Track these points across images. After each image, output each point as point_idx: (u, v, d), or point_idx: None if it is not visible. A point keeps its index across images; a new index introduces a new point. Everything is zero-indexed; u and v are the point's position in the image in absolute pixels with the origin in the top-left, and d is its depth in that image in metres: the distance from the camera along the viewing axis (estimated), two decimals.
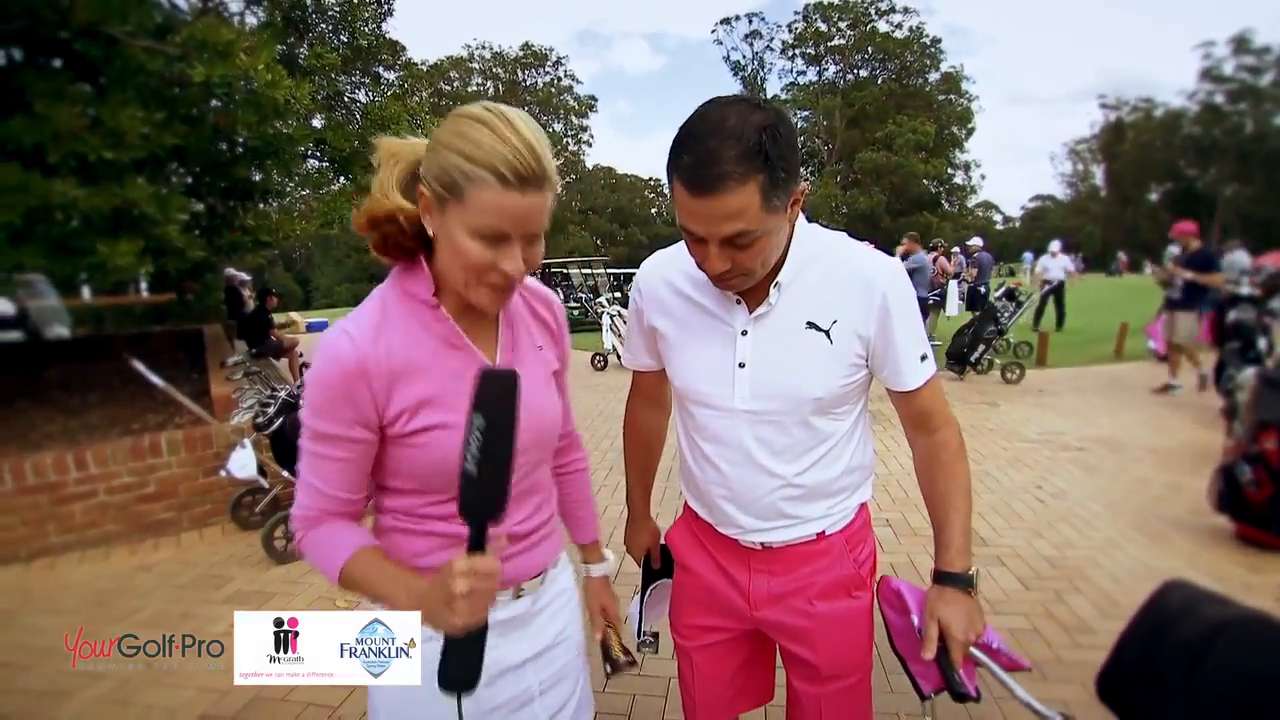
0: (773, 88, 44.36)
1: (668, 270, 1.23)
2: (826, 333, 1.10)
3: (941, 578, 1.14)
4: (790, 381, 1.11)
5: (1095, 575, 3.22)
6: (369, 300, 0.97)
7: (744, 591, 1.25)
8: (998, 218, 56.52)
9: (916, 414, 1.19)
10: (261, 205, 6.34)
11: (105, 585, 3.41)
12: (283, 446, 3.80)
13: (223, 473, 3.70)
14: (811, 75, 43.26)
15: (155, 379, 3.50)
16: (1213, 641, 0.91)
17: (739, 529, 1.22)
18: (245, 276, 11.01)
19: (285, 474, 3.78)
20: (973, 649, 1.09)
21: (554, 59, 42.88)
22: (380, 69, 11.24)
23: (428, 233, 0.92)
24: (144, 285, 11.48)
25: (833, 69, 42.71)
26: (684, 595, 1.36)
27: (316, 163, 8.39)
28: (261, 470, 3.72)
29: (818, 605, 1.21)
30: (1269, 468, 3.34)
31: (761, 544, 1.22)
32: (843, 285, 1.11)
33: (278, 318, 9.80)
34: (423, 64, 16.43)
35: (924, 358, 1.14)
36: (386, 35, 10.21)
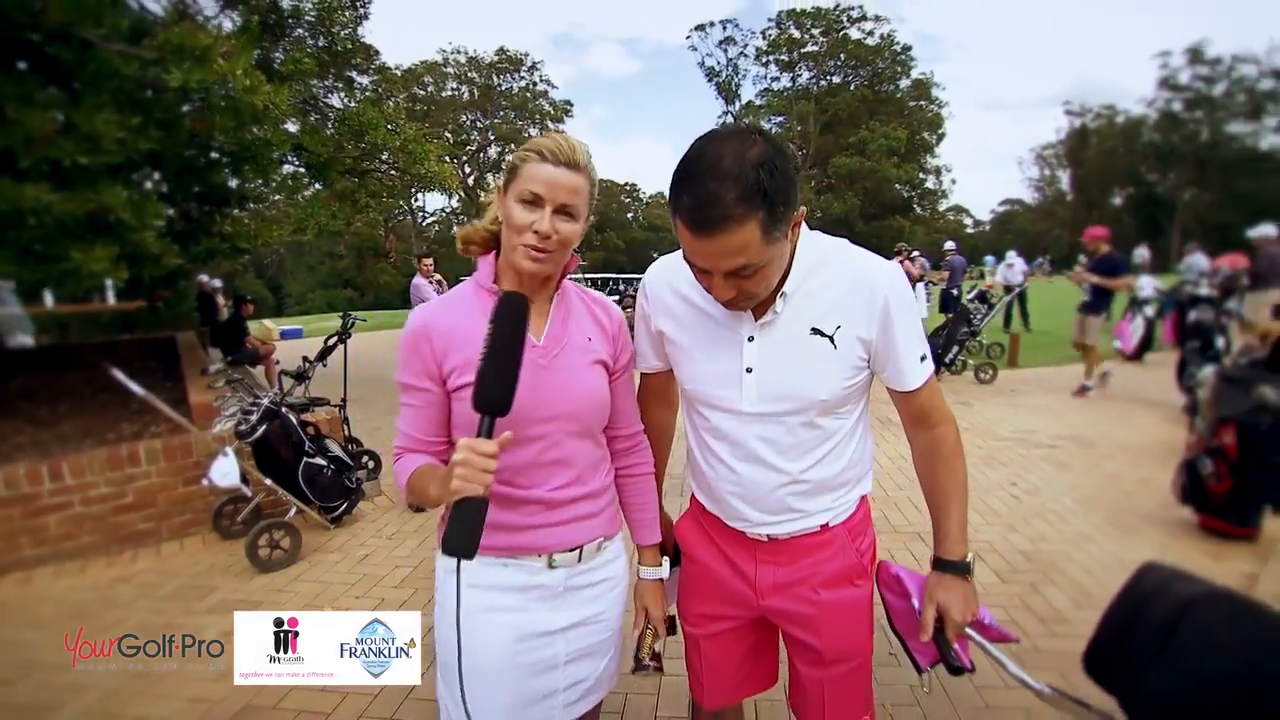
0: (747, 93, 44.91)
1: (673, 277, 1.27)
2: (830, 338, 1.16)
3: (941, 564, 1.22)
4: (796, 385, 1.17)
5: (1069, 568, 3.32)
6: (456, 287, 1.26)
7: (750, 581, 1.31)
8: (968, 221, 57.77)
9: (916, 411, 1.25)
10: (238, 211, 6.25)
11: (84, 597, 3.34)
12: (265, 454, 3.77)
13: (204, 481, 3.65)
14: (785, 81, 43.82)
15: (135, 387, 3.45)
16: (1182, 617, 0.98)
17: (746, 522, 1.28)
18: (217, 283, 10.82)
19: (268, 482, 3.74)
20: (967, 628, 1.18)
21: (529, 63, 42.73)
22: (354, 73, 11.13)
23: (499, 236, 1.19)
24: (111, 292, 11.22)
25: (806, 75, 43.33)
26: (692, 585, 1.41)
27: (292, 168, 8.30)
28: (244, 479, 3.67)
29: (822, 593, 1.27)
30: (1228, 461, 3.48)
31: (768, 536, 1.27)
32: (845, 291, 1.16)
33: (250, 325, 9.66)
34: (397, 69, 16.37)
35: (923, 358, 1.20)
36: (361, 39, 10.12)
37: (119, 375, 3.39)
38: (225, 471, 3.46)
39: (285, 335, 19.27)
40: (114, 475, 3.77)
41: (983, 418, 6.45)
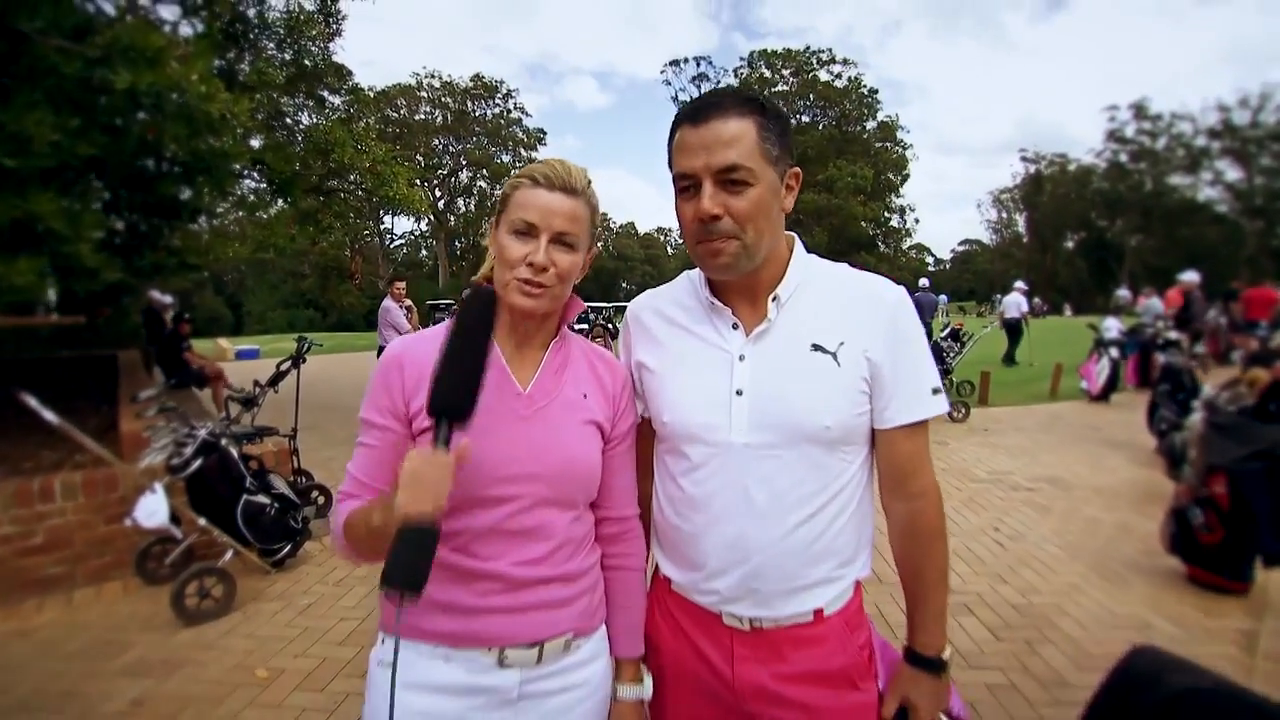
0: None
1: (658, 300, 1.19)
2: (834, 355, 1.02)
3: (914, 659, 1.09)
4: (795, 410, 1.01)
5: (1063, 623, 3.17)
6: (443, 322, 1.08)
7: (728, 682, 1.08)
8: (930, 260, 59.45)
9: (900, 467, 1.08)
10: (191, 225, 5.89)
11: None
12: (201, 491, 3.41)
13: (128, 521, 3.25)
14: None
15: (48, 414, 3.07)
16: (1173, 712, 0.95)
17: (720, 597, 1.06)
18: (167, 299, 10.30)
19: (202, 522, 3.38)
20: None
21: (504, 90, 42.97)
22: (325, 92, 10.91)
23: None
24: (53, 306, 10.58)
25: None
26: (660, 682, 1.17)
27: (254, 184, 7.97)
28: (175, 518, 3.30)
29: (820, 700, 1.05)
30: (1219, 511, 3.40)
31: (751, 622, 1.06)
32: (849, 303, 1.05)
33: (203, 345, 9.14)
34: (370, 90, 16.14)
35: (935, 391, 1.05)
36: (333, 58, 9.92)
37: (30, 400, 3.02)
38: (152, 510, 3.09)
39: (241, 355, 18.53)
40: (22, 513, 3.36)
41: (959, 458, 6.37)
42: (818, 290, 1.07)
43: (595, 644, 1.09)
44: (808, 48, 42.51)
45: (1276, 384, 3.53)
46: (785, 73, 43.07)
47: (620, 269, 63.82)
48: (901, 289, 1.08)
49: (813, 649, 1.06)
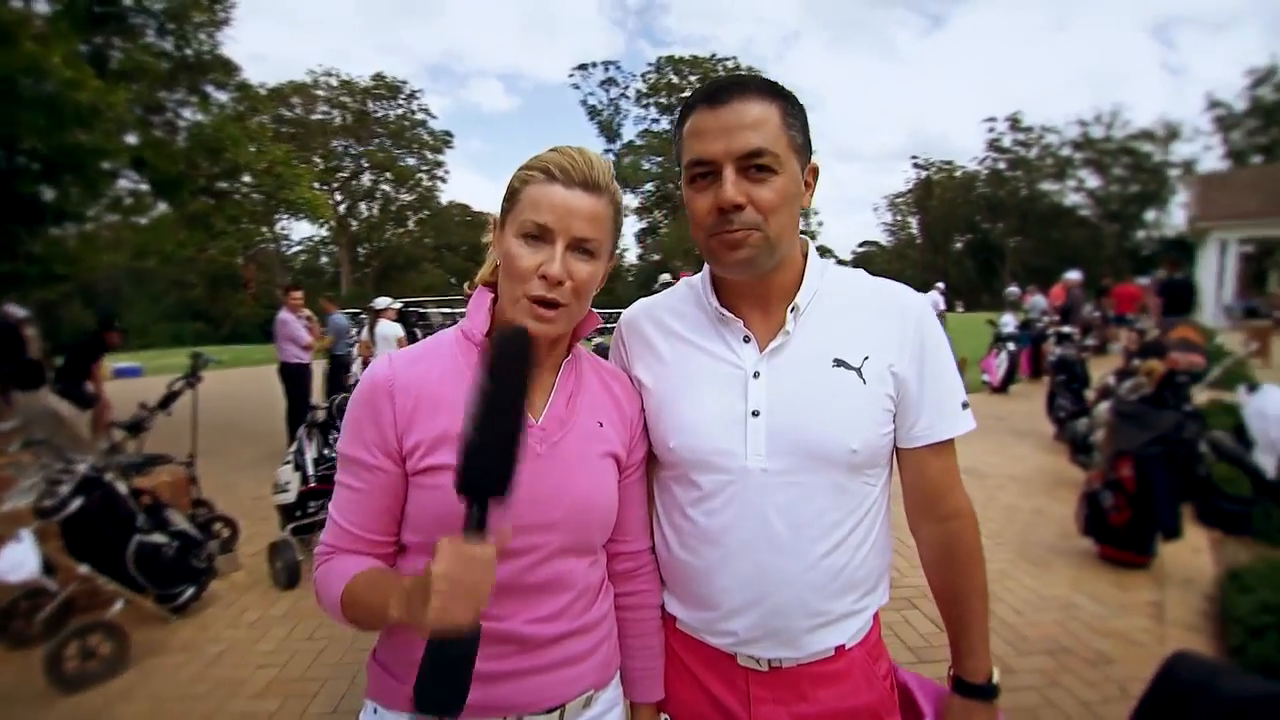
0: (628, 133, 46.26)
1: (654, 310, 1.08)
2: (858, 370, 0.95)
3: (964, 689, 1.03)
4: (819, 432, 0.93)
5: (999, 609, 3.30)
6: (434, 335, 0.96)
7: None
8: (833, 261, 62.35)
9: (931, 488, 1.02)
10: (55, 230, 5.21)
11: None
12: (82, 534, 2.97)
13: None
14: (665, 124, 45.53)
15: None
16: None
17: (735, 639, 0.97)
18: (22, 313, 9.13)
19: (84, 569, 2.94)
20: None
21: (408, 91, 41.43)
22: (210, 87, 10.07)
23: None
24: None
25: None
26: None
27: (132, 184, 7.18)
28: (48, 568, 2.85)
29: None
30: (1126, 493, 3.66)
31: (770, 663, 0.97)
32: (871, 314, 0.98)
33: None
34: (261, 87, 14.95)
35: (965, 405, 1.00)
36: (219, 51, 9.16)
37: None
38: (17, 563, 2.65)
39: (121, 373, 16.73)
40: None
41: None
42: (836, 299, 0.99)
43: (612, 693, 0.99)
44: (713, 55, 43.71)
45: (1170, 374, 3.85)
46: (692, 79, 43.98)
47: None
48: (923, 296, 1.03)
49: (835, 686, 0.99)
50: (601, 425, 0.95)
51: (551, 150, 0.89)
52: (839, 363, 0.95)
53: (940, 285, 14.27)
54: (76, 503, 2.90)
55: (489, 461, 0.69)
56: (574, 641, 0.90)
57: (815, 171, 0.97)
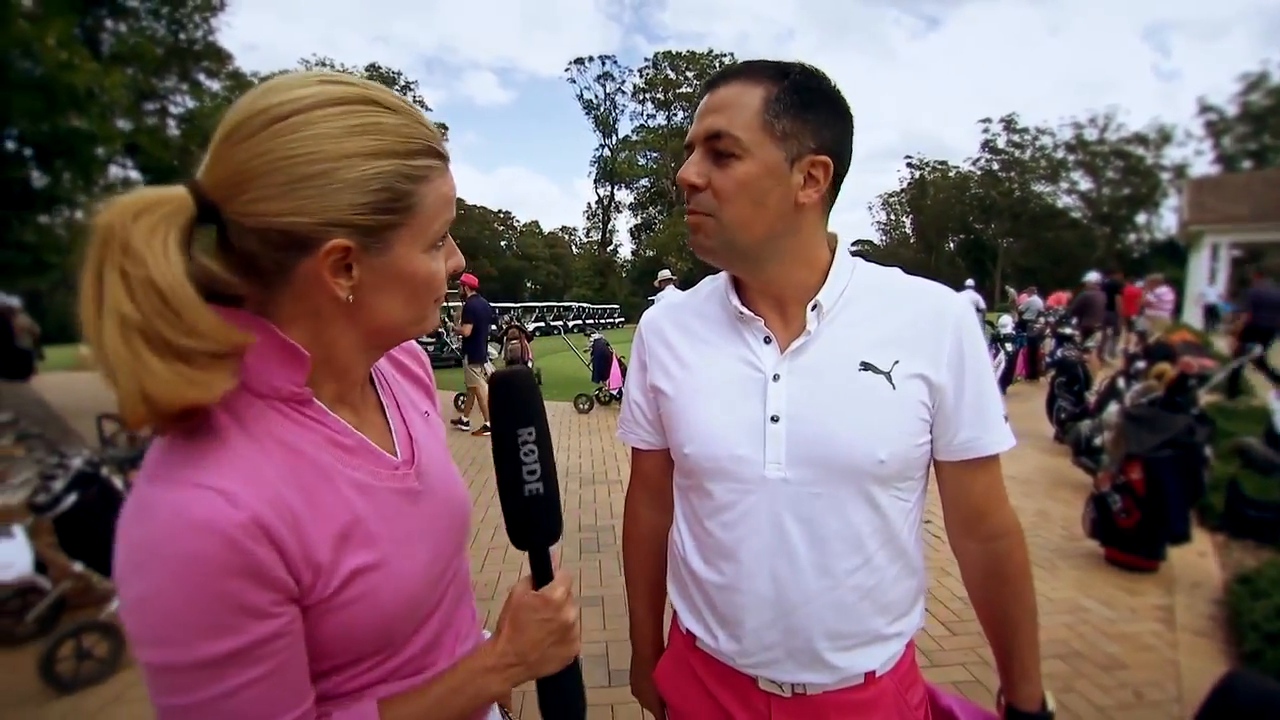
0: (624, 128, 46.15)
1: (677, 311, 1.03)
2: (887, 375, 0.87)
3: (1017, 717, 0.97)
4: (843, 440, 0.86)
5: None
6: (199, 427, 0.57)
7: None
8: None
9: (973, 507, 0.96)
10: (46, 217, 5.08)
11: None
12: (77, 531, 2.89)
13: None
14: (661, 119, 45.45)
15: None
16: None
17: (755, 660, 0.92)
18: (12, 302, 8.98)
19: (77, 568, 2.86)
20: None
21: (403, 82, 41.18)
22: (202, 75, 9.92)
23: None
24: None
25: (681, 115, 45.15)
26: None
27: (123, 171, 7.05)
28: (41, 566, 2.77)
29: None
30: (1135, 496, 3.64)
31: (793, 689, 0.92)
32: (905, 316, 0.91)
33: (64, 353, 7.99)
34: (253, 76, 14.74)
35: (1006, 418, 0.94)
36: (213, 39, 9.01)
37: None
38: (8, 562, 2.57)
39: None
40: None
41: None
42: (866, 299, 0.92)
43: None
44: (710, 51, 43.63)
45: (1182, 378, 3.84)
46: (689, 75, 43.93)
47: (525, 269, 62.79)
48: (964, 298, 0.95)
49: (864, 716, 0.93)
50: (428, 414, 0.84)
51: (406, 117, 0.68)
52: (866, 366, 0.88)
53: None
54: (71, 498, 2.82)
55: (550, 510, 0.70)
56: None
57: (826, 167, 0.87)
